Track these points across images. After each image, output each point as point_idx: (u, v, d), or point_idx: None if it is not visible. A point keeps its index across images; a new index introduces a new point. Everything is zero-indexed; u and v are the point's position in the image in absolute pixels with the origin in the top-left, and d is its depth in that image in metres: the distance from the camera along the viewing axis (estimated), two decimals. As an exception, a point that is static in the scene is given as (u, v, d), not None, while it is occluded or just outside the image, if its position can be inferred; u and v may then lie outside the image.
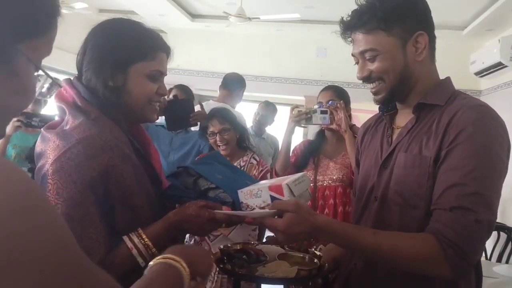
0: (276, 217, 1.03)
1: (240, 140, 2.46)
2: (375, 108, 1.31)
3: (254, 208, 1.11)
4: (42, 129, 1.11)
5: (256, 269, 1.15)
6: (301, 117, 2.18)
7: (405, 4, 1.12)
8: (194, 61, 6.68)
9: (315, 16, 5.77)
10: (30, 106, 2.55)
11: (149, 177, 1.12)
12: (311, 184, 2.27)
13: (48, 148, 1.02)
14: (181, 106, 2.71)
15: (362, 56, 1.15)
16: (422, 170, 1.08)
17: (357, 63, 1.19)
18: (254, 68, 6.63)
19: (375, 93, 1.18)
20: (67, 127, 1.06)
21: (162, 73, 1.17)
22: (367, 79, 1.16)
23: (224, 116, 2.44)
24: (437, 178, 1.05)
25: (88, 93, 1.09)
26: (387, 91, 1.15)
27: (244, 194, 1.13)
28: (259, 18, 5.10)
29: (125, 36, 1.12)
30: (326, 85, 2.63)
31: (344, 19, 1.17)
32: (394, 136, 1.22)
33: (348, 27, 1.16)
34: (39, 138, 1.10)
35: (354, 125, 2.29)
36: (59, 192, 0.97)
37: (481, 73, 5.22)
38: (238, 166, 2.42)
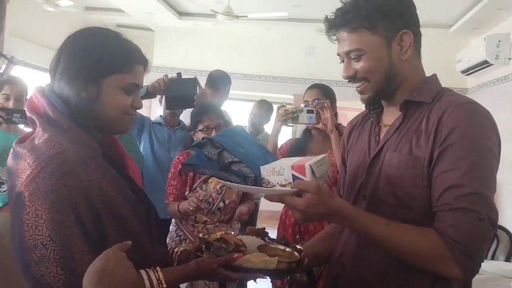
0: (294, 196, 1.04)
1: None
2: (363, 106, 1.31)
3: (274, 185, 1.11)
4: (14, 143, 1.07)
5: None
6: (288, 116, 2.18)
7: (389, 2, 1.11)
8: (181, 59, 6.65)
9: (303, 15, 5.77)
10: (11, 102, 2.50)
11: (128, 187, 1.10)
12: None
13: (19, 166, 0.99)
14: (185, 85, 2.55)
15: (347, 55, 1.14)
16: (416, 171, 1.08)
17: (342, 61, 1.18)
18: (243, 66, 6.61)
19: (360, 92, 1.17)
20: (38, 141, 1.02)
21: (138, 86, 1.14)
22: (352, 78, 1.15)
23: (219, 111, 2.39)
24: (433, 180, 1.05)
25: (60, 102, 1.06)
26: (373, 90, 1.15)
27: (266, 171, 1.12)
28: (246, 16, 5.09)
29: (101, 47, 1.09)
30: (314, 83, 2.63)
31: (329, 17, 1.16)
32: (382, 134, 1.21)
33: (333, 25, 1.15)
34: (10, 153, 1.06)
35: (340, 124, 2.29)
36: (38, 214, 0.93)
37: (467, 71, 5.26)
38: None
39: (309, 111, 2.17)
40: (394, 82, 1.15)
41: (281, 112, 2.20)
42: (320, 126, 2.19)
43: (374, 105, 1.25)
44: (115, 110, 1.10)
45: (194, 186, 2.30)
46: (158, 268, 1.03)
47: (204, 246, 1.19)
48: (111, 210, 1.00)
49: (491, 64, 4.75)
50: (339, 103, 2.48)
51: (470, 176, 0.99)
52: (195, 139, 2.41)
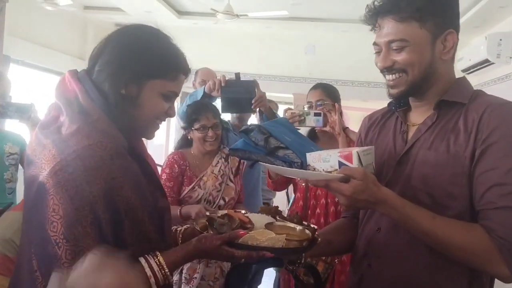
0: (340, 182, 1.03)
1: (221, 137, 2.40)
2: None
3: (317, 172, 1.10)
4: (37, 129, 1.04)
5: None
6: (295, 119, 2.16)
7: (443, 0, 1.11)
8: (181, 58, 6.60)
9: (303, 13, 5.74)
10: None
11: (149, 186, 1.07)
12: (303, 184, 2.25)
13: (42, 156, 0.96)
14: (243, 87, 2.41)
15: (388, 45, 1.11)
16: (457, 169, 1.07)
17: (377, 52, 1.15)
18: (242, 65, 6.55)
19: (393, 86, 1.15)
20: (65, 131, 0.99)
21: (177, 95, 1.13)
22: (388, 69, 1.13)
23: (217, 111, 2.36)
24: (474, 178, 1.05)
25: (95, 91, 1.03)
26: (408, 85, 1.13)
27: (312, 157, 1.12)
28: (247, 15, 5.06)
29: (151, 48, 1.06)
30: (315, 82, 2.60)
31: (375, 3, 1.12)
32: (410, 133, 1.19)
33: (380, 11, 1.11)
34: (33, 139, 1.03)
35: (347, 127, 2.27)
36: (55, 209, 0.90)
37: (468, 70, 5.24)
38: (222, 159, 2.37)
39: (316, 114, 2.15)
40: (429, 80, 1.13)
41: (288, 115, 2.18)
42: (327, 129, 2.18)
43: (399, 103, 1.24)
44: (150, 114, 1.09)
45: (192, 185, 2.28)
46: (157, 253, 1.00)
47: (207, 222, 1.16)
48: (130, 213, 0.97)
49: (492, 63, 4.72)
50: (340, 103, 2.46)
51: None
52: (189, 137, 2.38)
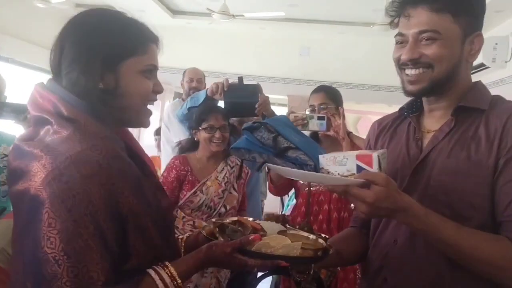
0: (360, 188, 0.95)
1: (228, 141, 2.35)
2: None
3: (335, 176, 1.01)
4: (16, 141, 0.95)
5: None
6: (297, 123, 2.10)
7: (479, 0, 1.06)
8: (174, 58, 6.49)
9: (299, 15, 5.73)
10: None
11: (150, 187, 1.00)
12: (305, 189, 2.20)
13: (31, 168, 0.86)
14: (247, 91, 2.35)
15: (417, 36, 1.04)
16: (479, 179, 1.01)
17: (400, 43, 1.09)
18: (236, 66, 6.53)
19: (414, 82, 1.08)
20: (53, 139, 0.90)
21: (156, 67, 1.04)
22: (413, 62, 1.06)
23: (225, 113, 2.31)
24: (498, 188, 1.00)
25: (73, 97, 0.94)
26: (431, 81, 1.06)
27: (326, 160, 1.02)
28: (243, 15, 5.01)
29: (110, 30, 0.97)
30: (309, 84, 2.55)
31: None
32: (426, 140, 1.14)
33: (413, 0, 1.05)
34: (14, 153, 0.93)
35: (351, 132, 2.23)
36: (51, 223, 0.81)
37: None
38: (228, 167, 2.33)
39: (319, 118, 2.10)
40: (451, 81, 1.07)
41: (291, 119, 2.12)
42: (331, 133, 2.12)
43: (412, 108, 1.18)
44: (137, 98, 1.01)
45: (194, 190, 2.23)
46: (167, 263, 0.94)
47: (218, 229, 1.08)
48: (134, 218, 0.90)
49: (487, 67, 4.73)
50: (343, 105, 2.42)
51: None
52: (196, 138, 2.33)
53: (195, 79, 3.59)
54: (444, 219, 0.98)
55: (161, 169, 3.43)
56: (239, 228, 1.07)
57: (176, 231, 2.26)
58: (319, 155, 1.04)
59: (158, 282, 0.90)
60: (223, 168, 2.31)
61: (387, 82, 5.83)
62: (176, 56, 6.61)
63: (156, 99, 1.06)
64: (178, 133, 3.30)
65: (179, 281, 0.93)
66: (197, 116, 2.30)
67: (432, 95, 1.12)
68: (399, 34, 1.08)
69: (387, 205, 0.92)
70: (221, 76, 6.84)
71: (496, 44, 4.60)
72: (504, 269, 0.96)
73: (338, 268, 2.02)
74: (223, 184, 2.28)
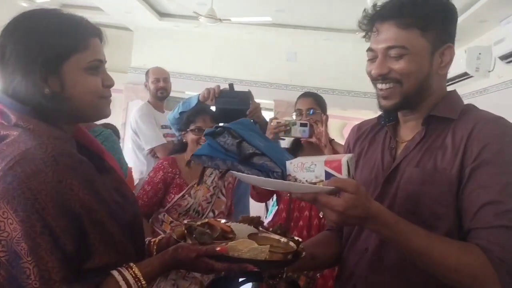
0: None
1: None
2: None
3: (303, 183, 0.98)
4: None
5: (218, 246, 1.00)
6: (280, 129, 2.10)
7: (447, 12, 1.07)
8: (161, 61, 6.44)
9: (286, 20, 5.74)
10: None
11: (105, 183, 0.98)
12: (287, 195, 2.19)
13: None
14: (238, 98, 2.35)
15: (385, 52, 1.05)
16: (443, 188, 1.01)
17: (371, 59, 1.09)
18: (223, 70, 6.52)
19: (385, 97, 1.09)
20: (1, 145, 0.90)
21: (102, 61, 1.00)
22: (383, 78, 1.07)
23: (214, 116, 2.30)
24: (464, 197, 1.00)
25: (18, 105, 0.93)
26: (402, 96, 1.07)
27: (294, 166, 0.99)
28: (230, 20, 5.01)
29: (45, 31, 0.94)
30: (296, 89, 2.57)
31: (376, 7, 1.07)
32: (399, 150, 1.14)
33: (381, 16, 1.06)
34: None
35: (333, 139, 2.23)
36: (1, 226, 0.81)
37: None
38: (217, 171, 2.30)
39: (302, 125, 2.10)
40: (423, 94, 1.08)
41: (273, 125, 2.12)
42: (313, 140, 2.12)
43: (389, 117, 1.18)
44: (87, 96, 0.98)
45: (182, 193, 2.20)
46: (131, 264, 0.92)
47: (186, 231, 1.05)
48: (89, 215, 0.88)
49: (471, 76, 4.79)
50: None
51: (507, 193, 0.95)
52: (184, 140, 2.32)
53: (161, 79, 3.44)
54: (415, 227, 0.97)
55: (134, 181, 3.32)
56: (207, 231, 1.05)
57: (157, 230, 2.24)
58: (286, 161, 1.02)
59: (122, 283, 0.89)
60: (212, 172, 2.29)
61: (373, 89, 5.86)
62: (162, 59, 6.58)
63: (110, 94, 1.04)
64: (150, 140, 3.23)
65: (144, 282, 0.92)
66: (185, 117, 2.30)
67: (405, 108, 1.13)
68: (369, 49, 1.09)
69: (357, 213, 0.90)
70: (207, 79, 6.86)
71: (480, 53, 4.66)
72: (475, 277, 0.95)
73: (318, 275, 2.01)
74: (211, 189, 2.26)
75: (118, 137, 3.50)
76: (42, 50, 0.93)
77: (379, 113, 1.22)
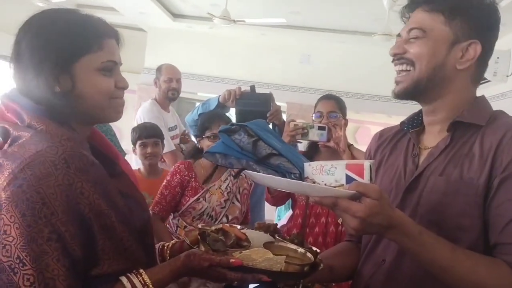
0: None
1: None
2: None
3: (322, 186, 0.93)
4: None
5: (232, 254, 0.95)
6: (297, 132, 2.05)
7: (478, 8, 1.03)
8: (173, 61, 6.42)
9: (301, 22, 5.70)
10: None
11: (116, 187, 0.96)
12: (303, 201, 2.15)
13: None
14: (259, 100, 2.32)
15: (407, 34, 1.06)
16: (469, 198, 0.96)
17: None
18: (236, 71, 6.51)
19: (398, 82, 1.08)
20: (13, 147, 0.88)
21: (116, 63, 0.99)
22: (398, 57, 1.06)
23: (230, 121, 2.26)
24: (492, 209, 0.94)
25: (31, 104, 0.92)
26: (413, 81, 1.04)
27: (312, 169, 0.94)
28: (244, 21, 4.98)
29: (60, 29, 0.93)
30: (309, 92, 2.52)
31: None
32: (422, 157, 1.10)
33: (413, 3, 1.08)
34: None
35: (352, 145, 2.17)
36: (7, 230, 0.78)
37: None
38: (232, 177, 2.28)
39: (320, 128, 2.05)
40: (436, 85, 1.04)
41: (291, 127, 2.07)
42: (331, 144, 2.07)
43: (413, 122, 1.15)
44: (98, 97, 0.96)
45: (197, 196, 2.18)
46: (141, 271, 0.90)
47: (199, 236, 1.01)
48: (99, 220, 0.86)
49: (488, 81, 4.70)
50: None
51: None
52: (199, 147, 2.30)
53: (175, 79, 3.25)
54: (439, 239, 0.92)
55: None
56: (221, 238, 1.02)
57: (173, 236, 2.22)
58: (304, 163, 0.97)
59: None
60: (227, 178, 2.27)
61: (387, 92, 5.75)
62: (175, 60, 6.58)
63: (122, 95, 1.02)
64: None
65: None
66: (200, 124, 2.28)
67: (418, 97, 1.09)
68: (398, 35, 1.10)
69: (379, 221, 0.85)
70: (220, 81, 6.84)
71: (498, 57, 4.58)
72: None
73: (333, 284, 1.96)
74: (225, 194, 2.23)
75: None
76: (55, 49, 0.92)
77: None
